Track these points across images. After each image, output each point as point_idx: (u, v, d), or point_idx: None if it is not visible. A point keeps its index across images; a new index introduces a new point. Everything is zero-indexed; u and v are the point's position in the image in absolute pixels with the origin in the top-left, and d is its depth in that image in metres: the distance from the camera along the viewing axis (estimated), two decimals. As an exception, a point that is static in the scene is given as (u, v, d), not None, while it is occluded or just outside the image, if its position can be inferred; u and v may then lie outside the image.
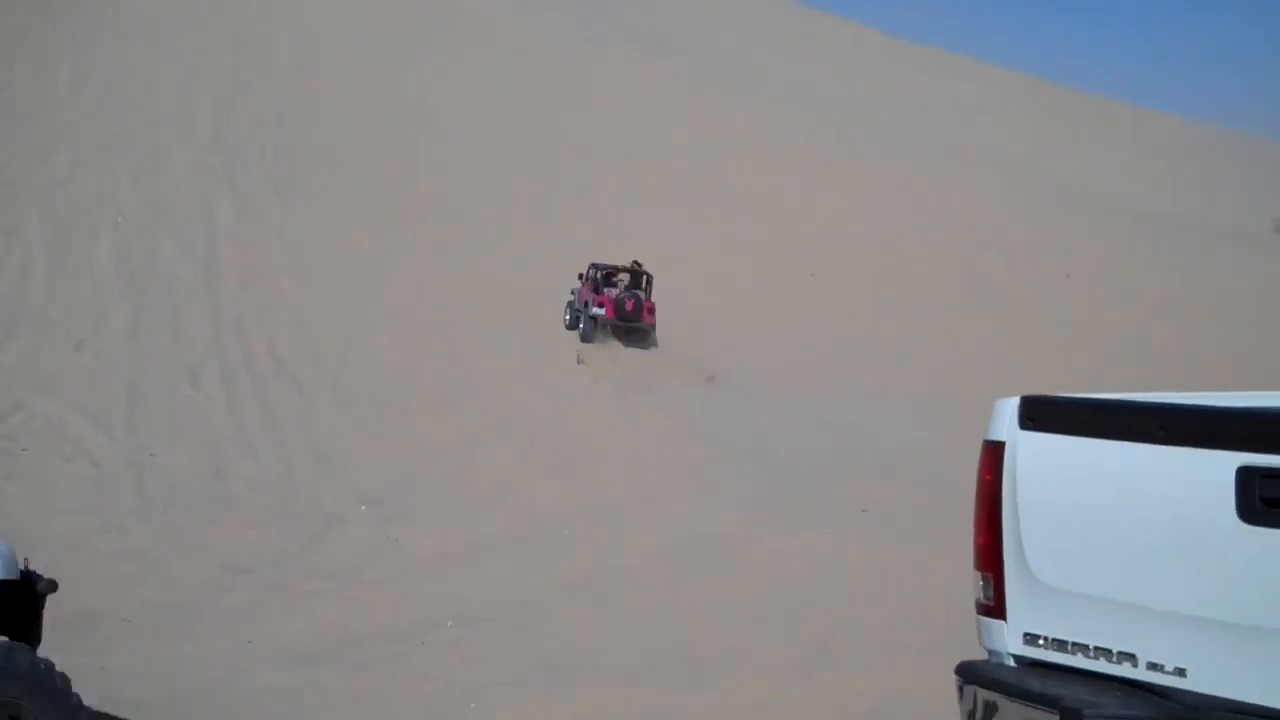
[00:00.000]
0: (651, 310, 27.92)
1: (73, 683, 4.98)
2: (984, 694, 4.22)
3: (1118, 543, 4.05)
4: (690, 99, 66.55)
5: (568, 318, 28.45)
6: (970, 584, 4.54)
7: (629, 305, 27.35)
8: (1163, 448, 3.90)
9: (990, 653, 4.44)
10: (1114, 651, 4.00)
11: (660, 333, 27.90)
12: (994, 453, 4.38)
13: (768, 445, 20.27)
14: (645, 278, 28.65)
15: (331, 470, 17.02)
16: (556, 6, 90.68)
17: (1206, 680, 3.76)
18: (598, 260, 28.63)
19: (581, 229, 38.90)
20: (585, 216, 41.06)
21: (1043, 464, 4.26)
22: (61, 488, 14.46)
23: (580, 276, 28.46)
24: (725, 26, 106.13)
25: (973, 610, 4.53)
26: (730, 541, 14.71)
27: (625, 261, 28.89)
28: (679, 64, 76.80)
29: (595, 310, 27.37)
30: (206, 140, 40.09)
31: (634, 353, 26.98)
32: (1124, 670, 3.96)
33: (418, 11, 76.18)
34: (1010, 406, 4.40)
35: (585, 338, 27.25)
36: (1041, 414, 4.32)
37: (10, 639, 4.87)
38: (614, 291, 27.70)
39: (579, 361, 26.03)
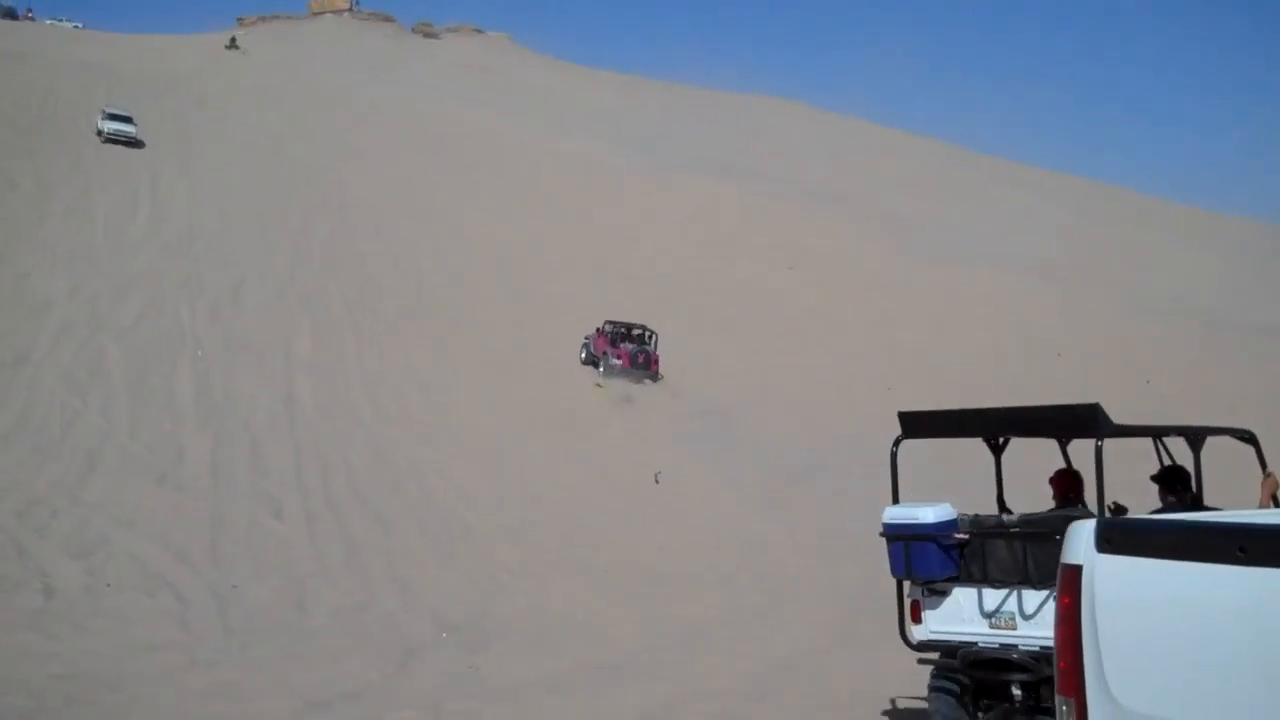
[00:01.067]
0: (657, 361, 37.05)
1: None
2: None
3: (1200, 666, 3.99)
4: (762, 216, 67.38)
5: (583, 355, 37.67)
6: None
7: (640, 359, 36.55)
8: (1244, 569, 3.86)
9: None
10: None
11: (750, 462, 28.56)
12: (1072, 576, 4.36)
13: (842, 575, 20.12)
14: (653, 336, 37.46)
15: (412, 598, 17.16)
16: (625, 137, 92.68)
17: None
18: (613, 319, 37.71)
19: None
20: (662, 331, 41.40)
21: (1122, 587, 4.22)
22: (147, 623, 14.68)
23: (597, 330, 37.49)
24: (794, 146, 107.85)
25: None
26: (806, 666, 14.57)
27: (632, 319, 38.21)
28: (756, 186, 77.87)
29: (614, 361, 36.22)
30: (284, 276, 41.36)
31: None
32: None
33: (481, 147, 78.54)
34: (1087, 529, 4.37)
35: (606, 376, 35.93)
36: (1119, 537, 4.30)
37: None
38: (630, 346, 36.59)
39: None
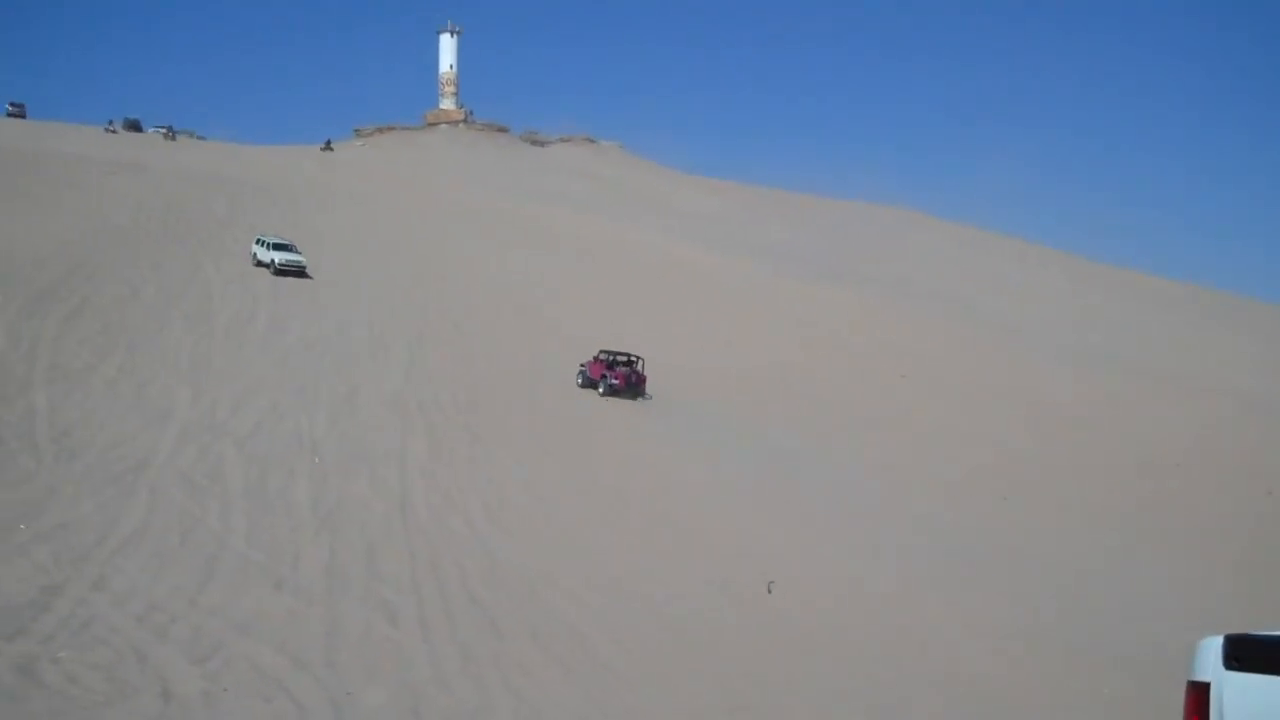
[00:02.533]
0: (644, 381, 47.56)
1: None
2: None
3: None
4: (871, 321, 67.16)
5: (579, 380, 47.67)
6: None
7: (634, 379, 47.22)
8: None
9: None
10: None
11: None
12: (1199, 695, 4.18)
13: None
14: (640, 361, 48.58)
15: (526, 706, 17.17)
16: (733, 243, 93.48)
17: None
18: (607, 348, 48.95)
19: (756, 449, 39.35)
20: (757, 438, 41.46)
21: (1251, 707, 4.00)
22: (264, 728, 14.90)
23: (593, 358, 48.05)
24: (903, 252, 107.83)
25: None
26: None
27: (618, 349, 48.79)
28: (865, 291, 77.87)
29: (612, 381, 46.76)
30: (399, 382, 42.23)
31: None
32: None
33: (593, 253, 79.82)
34: (1214, 646, 4.21)
35: (604, 394, 46.37)
36: (1248, 654, 4.11)
37: None
38: (624, 370, 47.15)
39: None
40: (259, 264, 56.63)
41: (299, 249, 57.92)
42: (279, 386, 38.64)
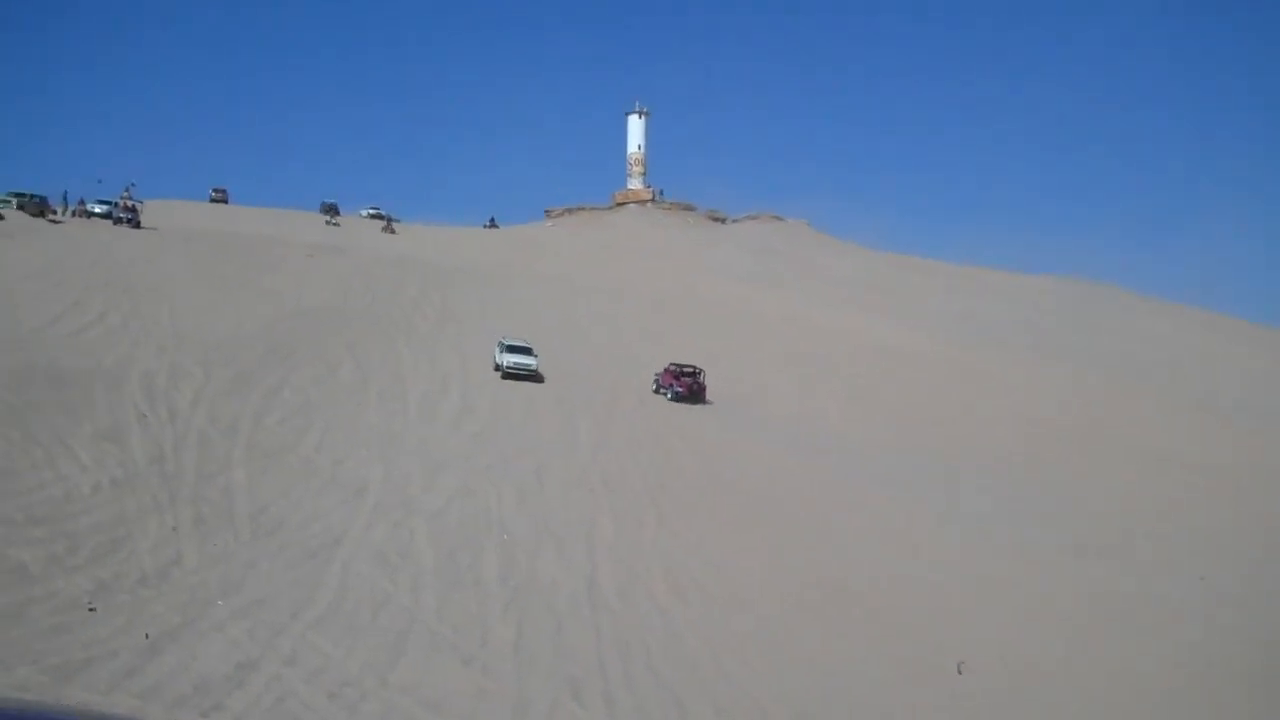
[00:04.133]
0: (704, 389, 57.03)
1: None
2: None
3: None
4: (1080, 401, 65.15)
5: (654, 386, 57.23)
6: None
7: (695, 388, 56.72)
8: None
9: None
10: None
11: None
12: None
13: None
14: (702, 372, 57.46)
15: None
16: (925, 318, 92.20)
17: None
18: (676, 360, 59.18)
19: (898, 519, 38.33)
20: (897, 500, 40.43)
21: None
22: (451, 804, 14.95)
23: (664, 369, 57.68)
24: (1107, 329, 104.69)
25: None
26: None
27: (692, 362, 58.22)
28: (1070, 368, 75.76)
29: (678, 389, 56.18)
30: (586, 459, 42.62)
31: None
32: None
33: (778, 330, 79.68)
34: None
35: (673, 400, 55.47)
36: None
37: None
38: (689, 380, 56.66)
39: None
40: (496, 368, 54.97)
41: (533, 351, 55.94)
42: (469, 464, 39.40)
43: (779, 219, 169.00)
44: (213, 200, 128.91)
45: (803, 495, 43.25)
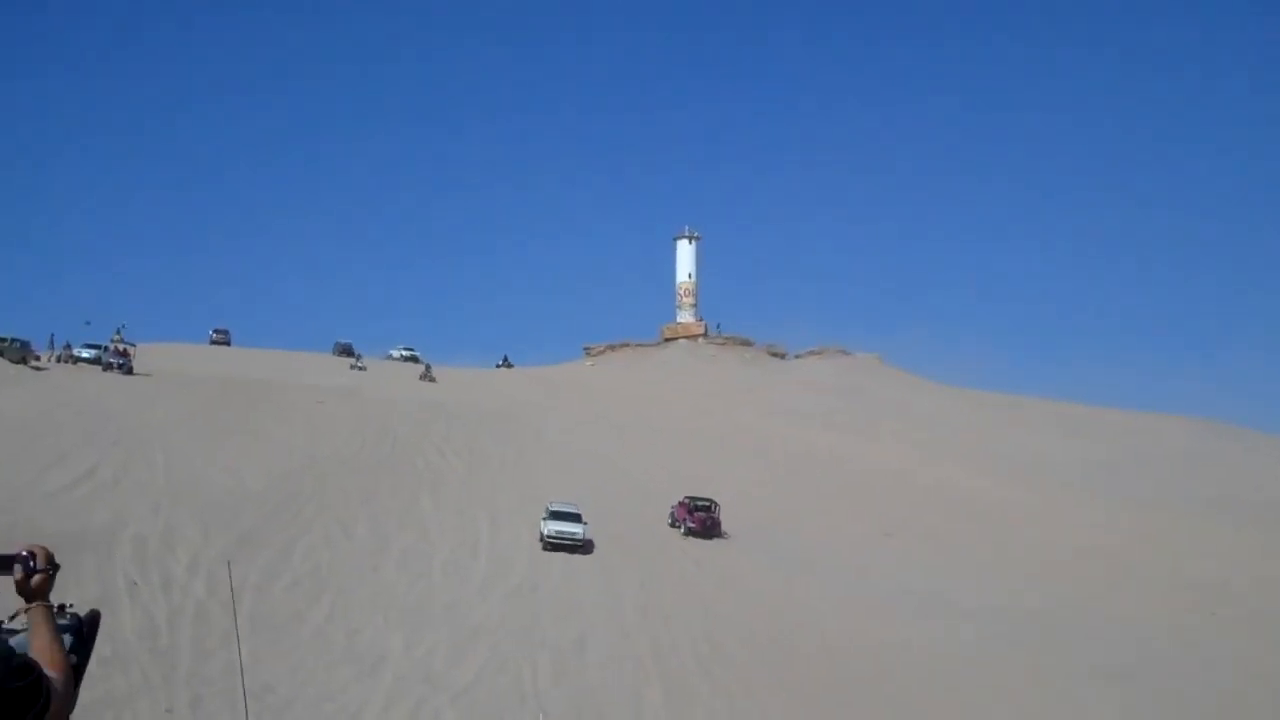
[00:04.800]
0: (719, 524, 60.76)
1: None
2: None
3: None
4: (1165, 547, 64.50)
5: (669, 520, 61.03)
6: None
7: (708, 522, 60.23)
8: None
9: None
10: None
11: None
12: None
13: None
14: (717, 506, 61.74)
15: None
16: (1004, 461, 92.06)
17: None
18: (690, 494, 62.69)
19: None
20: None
21: None
22: None
23: (679, 503, 61.70)
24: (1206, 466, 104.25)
25: None
26: None
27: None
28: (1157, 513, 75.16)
29: (690, 525, 59.78)
30: (633, 622, 42.42)
31: None
32: None
33: (847, 477, 79.65)
34: None
35: (685, 535, 59.29)
36: None
37: None
38: (702, 515, 60.30)
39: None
40: (541, 538, 52.80)
41: (582, 518, 53.78)
42: (500, 632, 39.36)
43: (845, 353, 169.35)
44: (213, 342, 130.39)
45: (877, 658, 42.60)
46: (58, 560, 4.26)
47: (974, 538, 67.47)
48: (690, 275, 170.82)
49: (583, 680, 35.42)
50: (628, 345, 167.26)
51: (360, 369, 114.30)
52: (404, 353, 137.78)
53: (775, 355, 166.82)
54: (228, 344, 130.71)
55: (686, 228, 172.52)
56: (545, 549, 51.82)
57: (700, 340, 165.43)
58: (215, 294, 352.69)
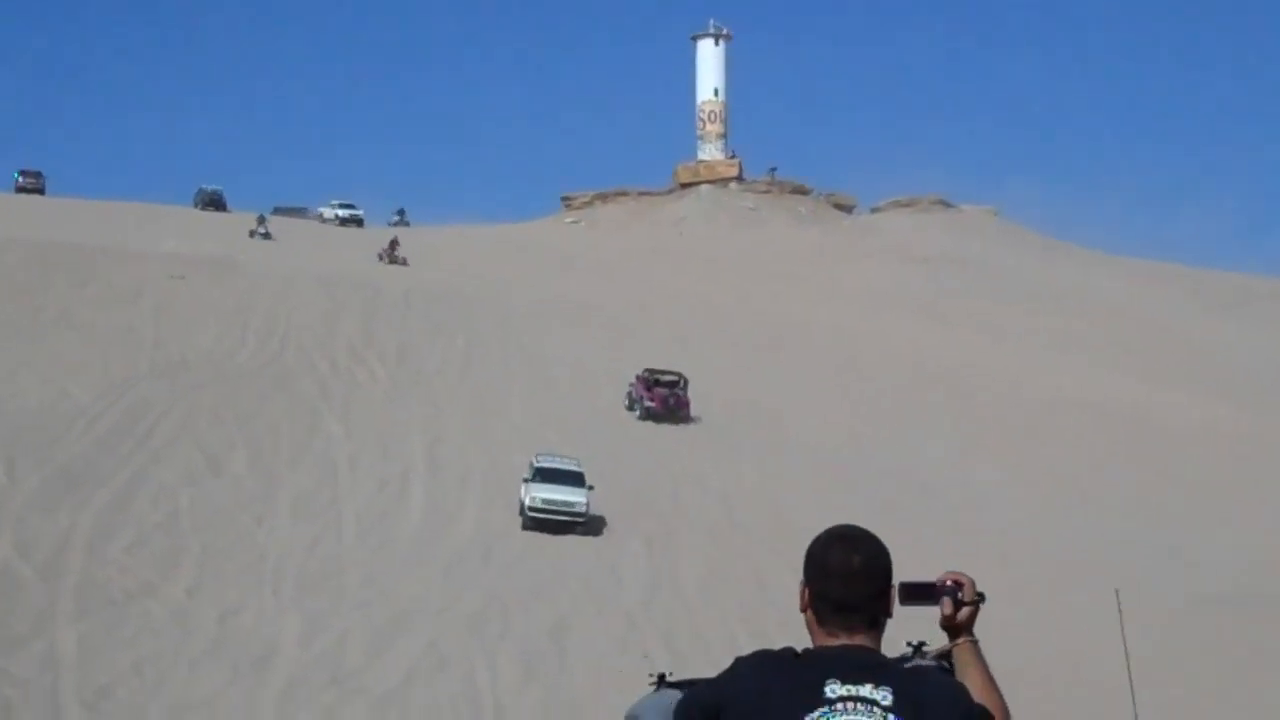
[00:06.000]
0: (688, 404, 67.01)
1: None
2: None
3: None
4: None
5: (626, 402, 68.04)
6: None
7: (672, 401, 66.43)
8: None
9: None
10: None
11: None
12: None
13: None
14: (684, 381, 67.48)
15: None
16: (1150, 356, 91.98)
17: None
18: (651, 366, 68.75)
19: None
20: None
21: None
22: None
23: (636, 377, 67.81)
24: None
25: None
26: None
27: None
28: None
29: (648, 404, 66.15)
30: (634, 603, 42.48)
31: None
32: None
33: (967, 391, 79.52)
34: None
35: (642, 418, 66.19)
36: None
37: None
38: (662, 392, 66.40)
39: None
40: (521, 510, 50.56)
41: (583, 479, 50.69)
42: (439, 616, 39.30)
43: (947, 205, 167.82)
44: (20, 189, 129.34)
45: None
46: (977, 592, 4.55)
47: (1196, 483, 67.17)
48: (716, 92, 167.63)
49: (561, 686, 35.45)
50: (625, 194, 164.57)
51: (264, 236, 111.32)
52: (340, 212, 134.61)
53: (841, 208, 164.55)
54: (41, 191, 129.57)
55: (711, 23, 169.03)
56: (527, 527, 48.90)
57: (732, 186, 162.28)
58: (23, 121, 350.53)
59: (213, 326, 69.49)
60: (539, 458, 51.10)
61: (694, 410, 67.04)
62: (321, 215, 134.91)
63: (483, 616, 39.72)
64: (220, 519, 44.56)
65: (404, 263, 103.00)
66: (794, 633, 4.50)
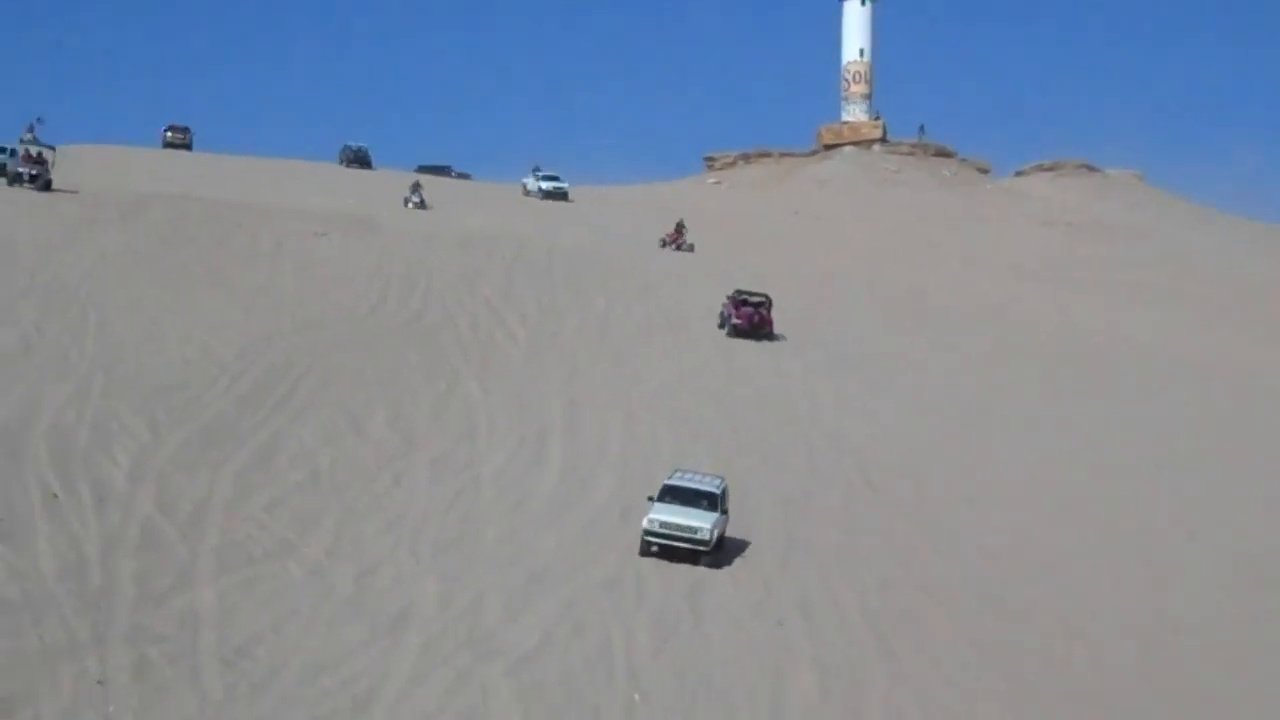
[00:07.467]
0: (771, 323, 74.12)
1: None
2: None
3: None
4: None
5: (718, 321, 74.68)
6: None
7: (755, 319, 73.48)
8: None
9: None
10: None
11: None
12: None
13: None
14: (769, 301, 74.68)
15: None
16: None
17: None
18: (741, 288, 76.14)
19: None
20: None
21: None
22: None
23: (728, 297, 74.94)
24: None
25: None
26: None
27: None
28: None
29: (735, 321, 73.34)
30: (773, 567, 42.30)
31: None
32: None
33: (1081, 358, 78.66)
34: None
35: (730, 335, 73.27)
36: None
37: None
38: (749, 311, 73.48)
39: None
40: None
41: (720, 500, 44.37)
42: (578, 576, 39.36)
43: (1091, 169, 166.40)
44: (168, 145, 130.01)
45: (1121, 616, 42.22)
46: None
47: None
48: (862, 52, 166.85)
49: (696, 648, 35.42)
50: (768, 155, 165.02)
51: (419, 205, 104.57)
52: (544, 185, 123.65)
53: (984, 172, 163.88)
54: (188, 147, 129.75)
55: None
56: (644, 553, 42.72)
57: (875, 148, 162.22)
58: (172, 79, 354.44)
59: (353, 284, 69.79)
60: (674, 474, 45.76)
61: (848, 365, 70.27)
62: (525, 187, 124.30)
63: (618, 579, 39.75)
64: (359, 479, 44.79)
65: (690, 249, 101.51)
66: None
